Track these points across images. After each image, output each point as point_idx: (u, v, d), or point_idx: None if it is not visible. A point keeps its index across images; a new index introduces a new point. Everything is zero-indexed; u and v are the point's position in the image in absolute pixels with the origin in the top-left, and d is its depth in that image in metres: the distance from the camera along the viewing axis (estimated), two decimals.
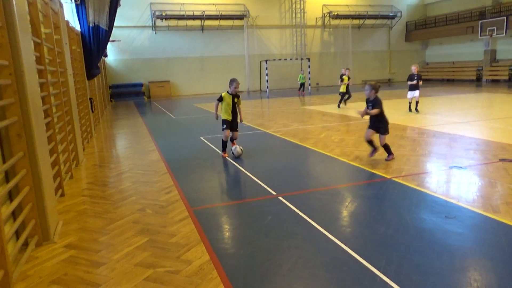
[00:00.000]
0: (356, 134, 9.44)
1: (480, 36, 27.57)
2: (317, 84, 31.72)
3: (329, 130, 10.12)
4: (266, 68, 25.35)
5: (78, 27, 10.05)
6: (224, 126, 7.38)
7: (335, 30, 32.90)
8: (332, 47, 33.23)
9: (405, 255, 3.48)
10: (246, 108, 16.02)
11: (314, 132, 9.90)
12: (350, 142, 8.43)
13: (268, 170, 6.36)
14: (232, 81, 7.18)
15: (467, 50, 31.38)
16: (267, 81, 25.15)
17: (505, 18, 25.99)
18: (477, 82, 28.86)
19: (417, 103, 12.81)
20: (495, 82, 28.23)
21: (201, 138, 9.66)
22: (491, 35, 26.99)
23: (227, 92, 7.35)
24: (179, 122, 13.46)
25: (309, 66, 26.31)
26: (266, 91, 26.45)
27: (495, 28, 26.54)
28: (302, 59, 28.45)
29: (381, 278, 3.14)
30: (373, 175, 5.91)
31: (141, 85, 27.42)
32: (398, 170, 6.09)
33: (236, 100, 7.36)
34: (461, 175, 5.78)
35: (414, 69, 12.91)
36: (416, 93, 12.84)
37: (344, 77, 15.69)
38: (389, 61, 34.91)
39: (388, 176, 5.78)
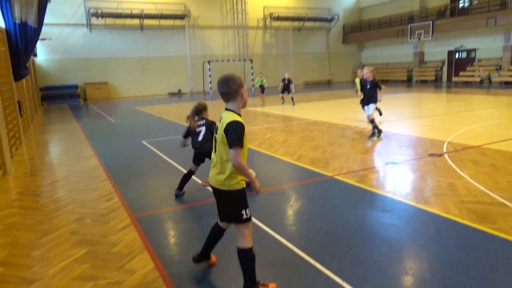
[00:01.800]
0: (299, 134, 9.63)
1: (410, 39, 29.54)
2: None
3: (273, 131, 10.28)
4: (209, 69, 25.22)
5: (2, 24, 9.32)
6: None
7: (276, 31, 33.52)
8: (274, 49, 33.80)
9: (347, 250, 3.61)
10: (187, 110, 15.86)
11: (258, 133, 9.99)
12: (294, 142, 8.59)
13: None
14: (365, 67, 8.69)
15: (399, 52, 33.45)
16: (210, 82, 25.04)
17: (431, 22, 28.15)
18: (408, 82, 30.95)
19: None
20: (423, 82, 30.37)
21: (143, 142, 9.48)
22: (419, 38, 29.02)
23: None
24: (119, 126, 13.08)
25: (251, 68, 26.62)
26: (209, 93, 26.29)
27: (422, 31, 28.59)
28: (245, 60, 28.66)
29: (325, 274, 3.24)
30: (316, 173, 6.05)
31: (76, 86, 26.00)
32: (338, 168, 6.28)
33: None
34: (396, 171, 6.07)
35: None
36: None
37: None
38: (328, 63, 36.19)
39: (329, 174, 5.95)
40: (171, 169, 6.82)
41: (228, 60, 26.90)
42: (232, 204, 2.91)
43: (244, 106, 2.96)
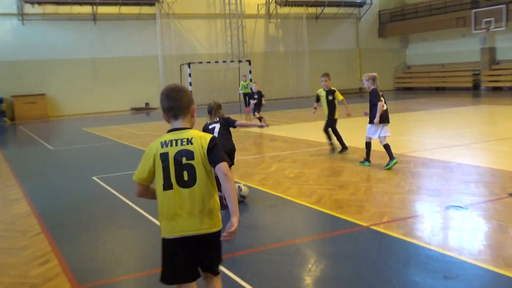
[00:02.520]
0: (318, 165, 9.81)
1: (474, 30, 30.04)
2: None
3: (282, 161, 10.48)
4: (190, 75, 25.58)
5: None
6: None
7: (285, 21, 34.25)
8: (281, 45, 34.50)
9: None
10: (159, 132, 15.98)
11: (260, 164, 10.19)
12: (311, 177, 8.68)
13: None
14: (324, 75, 10.60)
15: (460, 49, 34.07)
16: (191, 92, 25.20)
17: (504, 6, 28.43)
18: (474, 90, 31.28)
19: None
20: (496, 90, 30.74)
21: (94, 178, 9.56)
22: (487, 29, 29.48)
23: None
24: (60, 155, 13.16)
25: (250, 72, 26.95)
26: None
27: (492, 19, 28.97)
28: (240, 61, 29.05)
29: None
30: (344, 222, 6.06)
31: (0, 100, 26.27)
32: (377, 214, 6.28)
33: (330, 97, 10.54)
34: (461, 218, 6.09)
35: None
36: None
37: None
38: (359, 64, 36.88)
39: (364, 224, 5.94)
40: (133, 217, 6.83)
41: (217, 62, 27.39)
42: (216, 249, 3.21)
43: (191, 128, 3.22)
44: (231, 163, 6.23)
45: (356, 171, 9.10)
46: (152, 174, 3.10)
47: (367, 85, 9.42)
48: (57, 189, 8.93)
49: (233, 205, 3.03)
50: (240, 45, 32.29)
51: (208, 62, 27.74)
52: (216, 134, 6.67)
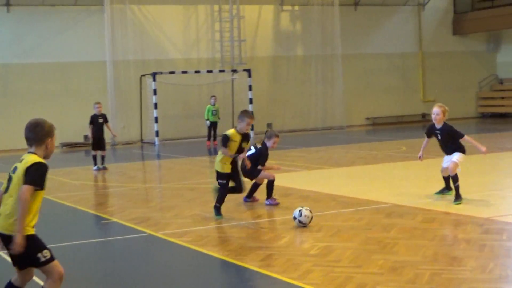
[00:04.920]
0: (357, 236, 9.91)
1: None
2: (268, 125, 32.32)
3: (299, 228, 10.58)
4: (154, 92, 25.39)
5: None
6: (224, 181, 11.55)
7: (306, 10, 34.63)
8: (300, 47, 34.79)
9: None
10: (109, 184, 16.06)
11: (265, 234, 10.51)
12: (345, 255, 8.74)
13: None
14: (244, 114, 11.70)
15: None
16: (156, 119, 25.15)
17: None
18: None
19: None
20: None
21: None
22: None
23: (235, 130, 11.61)
24: None
25: (249, 88, 26.77)
26: (154, 143, 26.75)
27: None
28: (234, 71, 28.98)
29: None
30: None
31: None
32: None
33: (244, 144, 11.69)
34: None
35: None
36: None
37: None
38: (421, 76, 37.26)
39: None
40: None
41: (198, 72, 27.06)
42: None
43: (47, 157, 5.75)
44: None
45: (416, 245, 9.10)
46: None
47: (439, 118, 11.62)
48: None
49: (18, 224, 5.39)
50: (233, 46, 32.07)
51: (185, 72, 27.62)
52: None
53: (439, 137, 12.06)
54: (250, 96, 27.21)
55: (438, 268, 7.90)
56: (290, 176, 15.59)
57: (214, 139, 25.66)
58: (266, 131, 12.96)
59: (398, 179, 16.22)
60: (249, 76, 28.51)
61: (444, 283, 7.26)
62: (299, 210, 10.21)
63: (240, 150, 11.53)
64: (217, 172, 11.58)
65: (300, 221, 10.11)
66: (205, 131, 27.79)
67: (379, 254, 8.69)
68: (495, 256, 8.32)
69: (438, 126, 12.00)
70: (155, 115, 26.09)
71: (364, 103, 35.55)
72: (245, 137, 11.60)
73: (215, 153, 23.98)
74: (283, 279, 7.65)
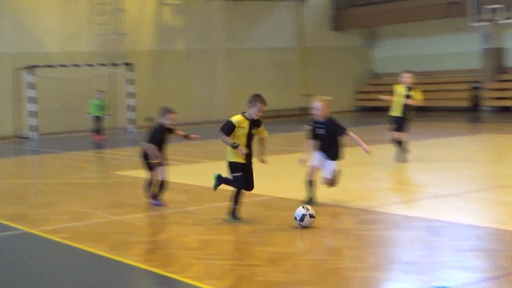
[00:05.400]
0: (237, 229, 10.08)
1: (475, 22, 31.49)
2: (149, 118, 32.00)
3: (178, 222, 10.76)
4: (31, 85, 24.87)
5: None
6: (239, 174, 10.37)
7: (187, 4, 34.75)
8: (182, 41, 34.93)
9: None
10: None
11: (144, 228, 10.53)
12: (225, 248, 8.95)
13: None
14: (257, 98, 10.46)
15: (453, 50, 35.83)
16: (34, 114, 24.64)
17: None
18: (474, 112, 32.10)
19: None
20: (505, 110, 32.64)
21: None
22: (492, 21, 31.14)
23: (243, 115, 10.41)
24: None
25: (131, 82, 26.57)
26: (32, 137, 26.51)
27: (502, 7, 30.59)
28: (115, 65, 28.67)
29: None
30: None
31: None
32: None
33: (255, 131, 10.47)
34: None
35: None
36: None
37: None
38: (301, 70, 37.95)
39: None
40: None
41: (78, 66, 26.65)
42: None
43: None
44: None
45: (295, 236, 9.37)
46: None
47: (321, 113, 10.99)
48: None
49: None
50: (115, 39, 31.81)
51: (63, 66, 27.12)
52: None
53: (323, 132, 11.37)
54: (131, 90, 26.94)
55: (316, 259, 8.12)
56: (169, 170, 15.56)
57: (100, 133, 25.16)
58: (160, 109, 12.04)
59: (277, 172, 16.34)
60: (131, 70, 28.22)
61: (321, 273, 7.42)
62: (303, 215, 9.57)
63: (250, 137, 10.38)
64: (229, 163, 10.51)
65: (300, 223, 9.58)
66: (87, 125, 27.23)
67: (258, 246, 8.86)
68: (370, 245, 8.61)
69: (321, 120, 11.40)
70: (31, 109, 25.46)
71: (246, 97, 35.15)
72: (255, 123, 10.43)
73: (100, 147, 23.79)
74: (163, 273, 7.67)
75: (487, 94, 33.47)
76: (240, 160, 10.23)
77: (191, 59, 34.83)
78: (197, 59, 35.05)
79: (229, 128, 10.16)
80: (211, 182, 13.72)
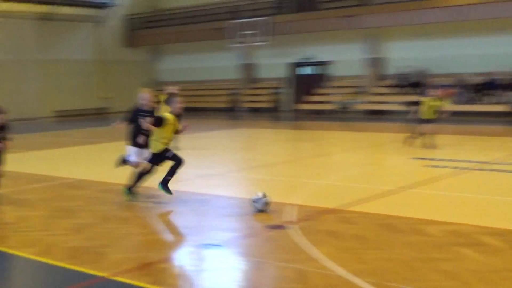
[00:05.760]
0: (47, 206, 10.92)
1: (233, 44, 36.57)
2: None
3: None
4: None
5: None
6: (153, 160, 10.60)
7: (6, 21, 37.59)
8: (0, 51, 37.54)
9: None
10: None
11: None
12: (37, 222, 9.64)
13: None
14: (172, 95, 10.99)
15: (218, 64, 41.74)
16: None
17: (266, 18, 35.77)
18: (233, 112, 37.05)
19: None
20: (257, 111, 38.16)
21: None
22: (244, 43, 36.24)
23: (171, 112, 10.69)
24: None
25: None
26: None
27: (256, 32, 35.79)
28: None
29: None
30: (78, 275, 6.89)
31: None
32: (119, 262, 7.22)
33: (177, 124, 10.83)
34: (217, 257, 7.53)
35: None
36: None
37: None
38: (101, 79, 42.84)
39: (103, 274, 6.82)
40: None
41: None
42: None
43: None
44: None
45: (95, 210, 10.41)
46: None
47: (149, 103, 12.04)
48: None
49: None
50: None
51: None
52: None
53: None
54: None
55: (110, 227, 9.20)
56: None
57: None
58: None
59: (81, 159, 17.91)
60: None
61: (115, 237, 8.51)
62: (258, 198, 9.93)
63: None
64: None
65: (257, 207, 9.89)
66: None
67: (65, 219, 9.75)
68: (154, 215, 10.12)
69: (147, 109, 11.69)
70: None
71: (55, 98, 40.41)
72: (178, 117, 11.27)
73: None
74: None
75: (243, 98, 38.97)
76: (161, 148, 10.75)
77: (5, 68, 37.88)
78: (11, 67, 38.12)
79: (160, 121, 10.56)
80: (24, 168, 15.48)
